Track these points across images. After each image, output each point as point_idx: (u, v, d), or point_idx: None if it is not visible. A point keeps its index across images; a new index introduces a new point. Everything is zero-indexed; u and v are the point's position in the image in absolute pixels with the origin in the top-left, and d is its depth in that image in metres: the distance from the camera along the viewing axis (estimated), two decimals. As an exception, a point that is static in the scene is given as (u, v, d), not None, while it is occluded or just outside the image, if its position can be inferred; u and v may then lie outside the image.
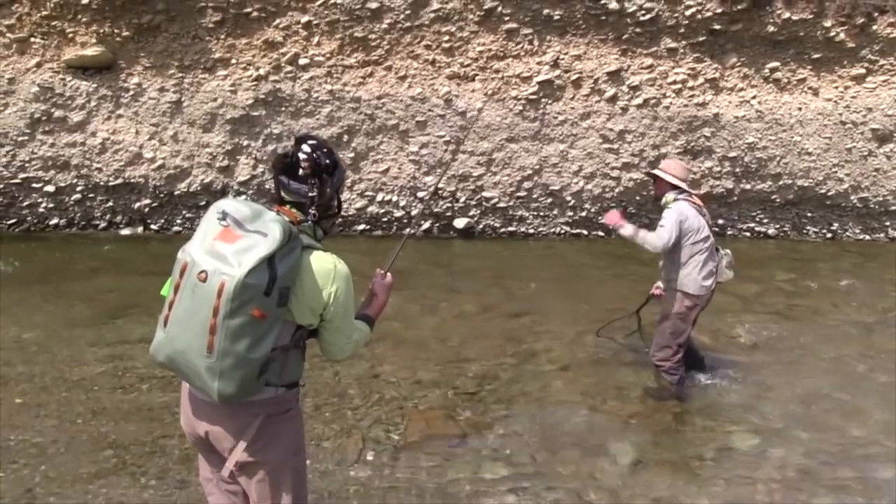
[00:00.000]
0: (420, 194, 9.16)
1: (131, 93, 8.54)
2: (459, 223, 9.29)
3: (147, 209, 8.78)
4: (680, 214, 4.63)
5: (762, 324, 6.48)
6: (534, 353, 5.67)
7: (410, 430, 4.28)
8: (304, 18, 8.54)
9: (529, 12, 9.06)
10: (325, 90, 8.67)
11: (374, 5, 8.62)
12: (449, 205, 9.32)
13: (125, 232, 8.65)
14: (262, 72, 8.50)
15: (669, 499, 3.67)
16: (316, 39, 8.62)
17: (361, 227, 9.13)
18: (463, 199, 9.31)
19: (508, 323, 6.33)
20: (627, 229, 4.70)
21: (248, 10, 8.48)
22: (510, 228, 9.58)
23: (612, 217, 4.79)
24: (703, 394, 5.03)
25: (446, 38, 8.97)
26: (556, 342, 5.87)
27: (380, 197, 9.13)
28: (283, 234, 1.98)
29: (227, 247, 1.97)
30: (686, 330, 4.81)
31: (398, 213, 9.18)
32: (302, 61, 8.58)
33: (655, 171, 4.92)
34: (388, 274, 2.55)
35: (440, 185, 9.12)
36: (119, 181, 8.64)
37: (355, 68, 8.79)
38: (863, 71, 10.07)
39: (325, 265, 2.14)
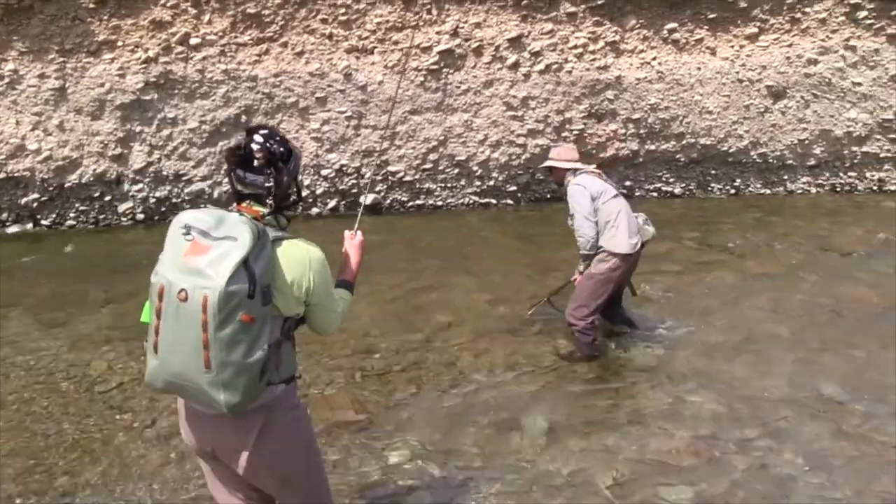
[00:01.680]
0: (324, 172, 9.34)
1: (6, 80, 8.40)
2: (366, 199, 9.52)
3: (35, 204, 8.71)
4: (579, 188, 4.97)
5: (671, 282, 6.85)
6: (443, 327, 5.84)
7: (314, 419, 4.42)
8: (192, -5, 8.52)
9: (427, -19, 9.26)
10: (220, 70, 8.72)
11: (265, -21, 8.67)
12: (354, 181, 9.53)
13: (13, 230, 8.58)
14: (151, 53, 8.48)
15: (582, 470, 3.79)
16: (207, 17, 8.63)
17: (266, 208, 9.26)
18: (368, 175, 9.54)
19: (417, 298, 6.55)
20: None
21: (131, -13, 8.40)
22: (418, 202, 9.89)
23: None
24: (615, 355, 5.28)
25: (343, 10, 9.10)
26: (466, 314, 6.08)
27: (283, 177, 9.26)
28: (252, 235, 2.02)
29: (199, 259, 2.00)
30: (606, 292, 5.06)
31: (303, 193, 9.33)
32: (193, 41, 8.59)
33: (549, 163, 5.25)
34: (358, 232, 2.70)
35: (344, 162, 9.32)
36: (1, 176, 8.52)
37: (250, 46, 8.85)
38: (755, 30, 10.67)
39: (297, 253, 2.21)
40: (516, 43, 9.74)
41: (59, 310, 6.07)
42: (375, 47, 9.31)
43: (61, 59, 8.45)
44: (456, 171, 9.92)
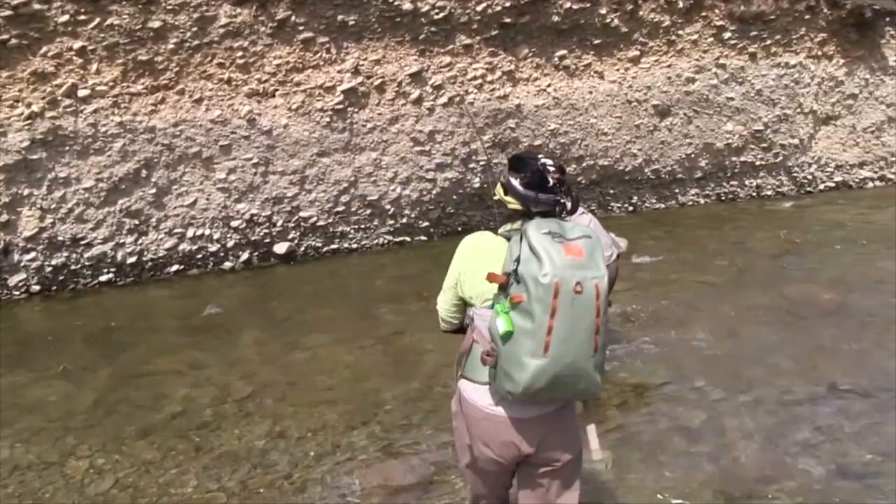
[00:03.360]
0: (234, 223, 9.09)
1: None
2: (280, 248, 9.36)
3: None
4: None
5: (634, 299, 7.05)
6: (431, 371, 5.65)
7: (368, 491, 4.01)
8: (77, 44, 8.12)
9: (324, 19, 9.32)
10: (114, 122, 8.32)
11: (156, 24, 8.41)
12: (266, 230, 9.33)
13: None
14: (35, 108, 7.96)
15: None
16: (94, 66, 8.23)
17: (175, 267, 8.87)
18: (280, 223, 9.37)
19: (390, 345, 6.36)
20: None
21: (5, 37, 7.87)
22: (333, 246, 9.81)
23: None
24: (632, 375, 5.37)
25: (240, 53, 8.97)
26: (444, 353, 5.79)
27: (191, 232, 8.93)
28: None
29: (578, 258, 2.28)
30: None
31: (213, 248, 9.05)
32: (82, 92, 8.15)
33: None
34: None
35: (255, 212, 9.12)
36: None
37: (144, 95, 8.51)
38: (637, 53, 11.52)
39: None
40: (417, 77, 9.97)
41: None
42: (277, 90, 9.23)
43: (-72, 122, 7.76)
44: (368, 211, 9.94)
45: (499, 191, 2.60)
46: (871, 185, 13.45)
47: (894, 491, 3.55)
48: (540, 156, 2.56)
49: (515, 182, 2.50)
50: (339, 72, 9.54)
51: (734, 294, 7.15)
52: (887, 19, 13.30)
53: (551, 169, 2.50)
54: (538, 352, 2.25)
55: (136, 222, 8.66)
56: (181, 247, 8.95)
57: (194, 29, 8.70)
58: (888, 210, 10.83)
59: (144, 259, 8.77)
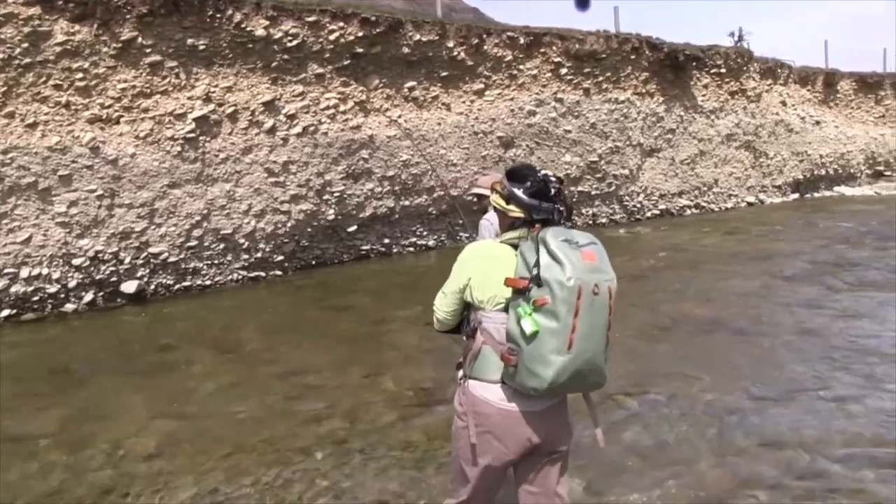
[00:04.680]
0: (76, 261, 8.43)
1: None
2: (128, 287, 8.79)
3: None
4: (486, 223, 5.10)
5: None
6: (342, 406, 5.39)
7: None
8: None
9: (172, 42, 8.99)
10: (-66, 150, 7.48)
11: (-20, 39, 7.70)
12: (113, 268, 8.74)
13: None
14: None
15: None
16: None
17: (6, 312, 8.06)
18: (128, 260, 8.81)
19: (289, 383, 5.94)
20: None
21: None
22: (185, 283, 9.36)
23: None
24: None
25: (79, 75, 8.42)
26: (335, 391, 5.69)
27: (25, 272, 8.17)
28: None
29: (593, 262, 2.51)
30: None
31: (52, 289, 8.32)
32: None
33: (477, 191, 5.48)
34: None
35: (99, 248, 8.51)
36: None
37: (-32, 119, 7.74)
38: (482, 86, 12.08)
39: None
40: (271, 106, 9.83)
41: None
42: (122, 116, 8.73)
43: None
44: (222, 245, 9.60)
45: (497, 200, 2.78)
46: (688, 212, 14.86)
47: (848, 487, 3.95)
48: (537, 168, 2.82)
49: (519, 192, 2.68)
50: (189, 98, 9.20)
51: (618, 315, 7.54)
52: (694, 63, 14.90)
53: (552, 179, 2.70)
54: (563, 349, 2.47)
55: (-40, 263, 7.81)
56: (13, 288, 8.15)
57: (25, 45, 8.08)
58: (713, 235, 12.04)
59: (-31, 304, 7.91)
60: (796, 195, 18.54)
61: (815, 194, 19.29)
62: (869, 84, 21.13)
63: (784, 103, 18.08)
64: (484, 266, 2.71)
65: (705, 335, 6.76)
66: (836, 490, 3.81)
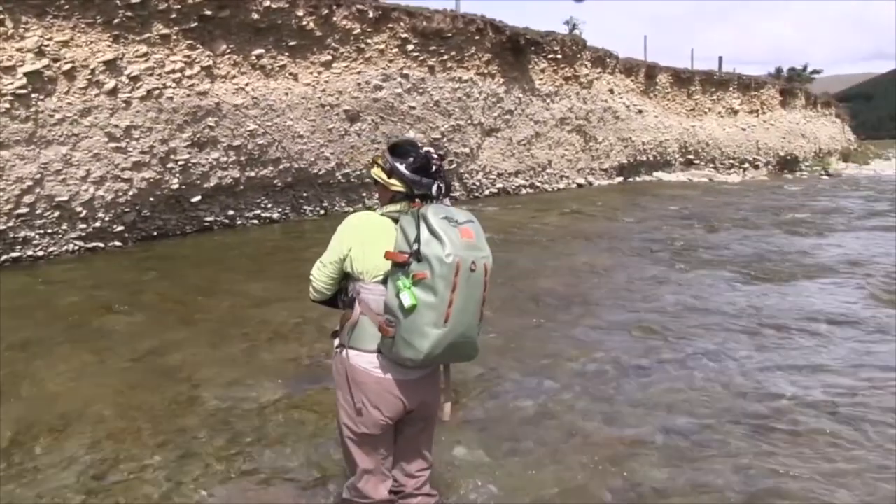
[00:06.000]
0: None
1: None
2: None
3: None
4: None
5: None
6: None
7: None
8: None
9: (-2, -13, 8.43)
10: None
11: None
12: (-69, 235, 8.14)
13: None
14: None
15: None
16: None
17: None
18: None
19: (154, 360, 5.63)
20: None
21: None
22: (14, 254, 8.87)
23: None
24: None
25: None
26: (208, 370, 5.40)
27: None
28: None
29: (471, 240, 2.65)
30: None
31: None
32: None
33: None
34: None
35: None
36: None
37: None
38: (329, 58, 12.19)
39: None
40: (112, 66, 9.47)
41: None
42: (-58, 67, 8.11)
43: None
44: (57, 213, 9.16)
45: (378, 173, 2.91)
46: (524, 191, 15.71)
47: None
48: (420, 144, 3.01)
49: (402, 166, 2.80)
50: (18, 50, 8.67)
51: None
52: (533, 48, 15.71)
53: (434, 156, 2.85)
54: (440, 322, 2.63)
55: None
56: None
57: None
58: (551, 213, 12.86)
59: None
60: (621, 178, 20.08)
61: (637, 178, 21.03)
62: (682, 79, 23.16)
63: (612, 91, 19.46)
64: (364, 237, 2.83)
65: (570, 308, 7.32)
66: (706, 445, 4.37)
